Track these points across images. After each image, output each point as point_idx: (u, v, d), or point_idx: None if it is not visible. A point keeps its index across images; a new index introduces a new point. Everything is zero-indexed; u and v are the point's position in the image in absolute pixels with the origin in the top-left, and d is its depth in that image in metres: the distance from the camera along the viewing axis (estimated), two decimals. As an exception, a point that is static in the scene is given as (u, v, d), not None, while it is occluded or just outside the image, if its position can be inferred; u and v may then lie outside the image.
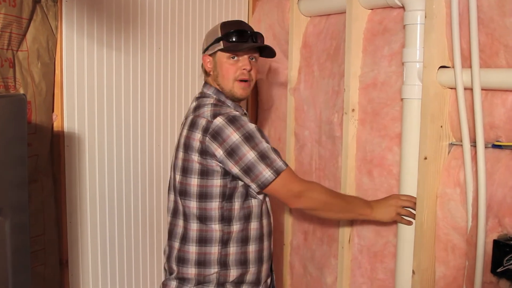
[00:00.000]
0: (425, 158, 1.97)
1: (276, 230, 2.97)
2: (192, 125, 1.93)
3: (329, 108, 2.49)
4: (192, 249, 1.96)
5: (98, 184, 2.49)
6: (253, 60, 2.05)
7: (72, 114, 2.37)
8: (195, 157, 1.91)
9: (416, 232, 2.02)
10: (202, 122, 1.90)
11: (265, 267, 2.04)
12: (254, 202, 1.98)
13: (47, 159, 2.26)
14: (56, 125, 2.30)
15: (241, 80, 2.01)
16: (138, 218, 2.69)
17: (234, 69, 2.01)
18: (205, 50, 2.07)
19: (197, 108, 1.98)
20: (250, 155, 1.86)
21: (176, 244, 2.00)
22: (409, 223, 2.05)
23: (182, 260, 1.98)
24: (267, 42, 2.91)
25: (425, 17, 1.95)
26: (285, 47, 2.79)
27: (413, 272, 2.04)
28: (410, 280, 2.06)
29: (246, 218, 1.97)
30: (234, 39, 1.99)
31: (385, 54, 2.19)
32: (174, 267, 1.99)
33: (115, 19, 2.49)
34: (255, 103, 3.12)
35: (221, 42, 1.99)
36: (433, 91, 1.95)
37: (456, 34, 1.86)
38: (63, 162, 2.35)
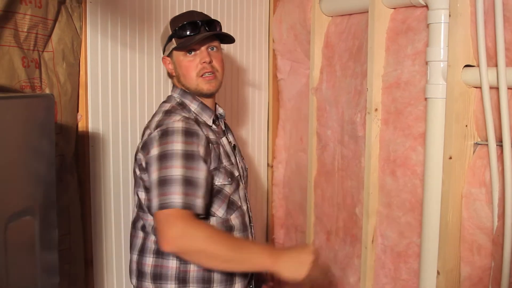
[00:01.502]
0: (450, 158, 1.96)
1: (298, 231, 2.97)
2: (142, 136, 1.89)
3: (351, 108, 2.48)
4: (149, 261, 1.84)
5: (122, 184, 2.51)
6: (214, 49, 1.90)
7: (97, 114, 2.38)
8: (137, 170, 1.86)
9: (441, 232, 2.01)
10: (146, 133, 1.83)
11: (237, 287, 1.87)
12: (212, 221, 1.83)
13: (72, 159, 2.28)
14: (81, 125, 2.32)
15: (204, 74, 1.88)
16: (160, 218, 2.70)
17: (194, 65, 1.87)
18: (163, 52, 1.96)
19: (153, 116, 1.90)
20: (154, 175, 1.70)
21: (136, 256, 1.90)
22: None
23: (139, 273, 1.87)
24: (288, 42, 2.94)
25: (449, 15, 1.93)
26: (307, 47, 2.79)
27: (438, 272, 2.03)
28: (435, 281, 2.04)
29: None
30: (185, 33, 1.85)
31: (409, 53, 2.18)
32: (134, 281, 1.90)
33: (138, 20, 2.50)
34: (277, 103, 3.12)
35: (173, 39, 1.87)
36: (458, 90, 1.93)
37: (481, 32, 1.85)
38: (87, 161, 2.37)
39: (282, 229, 3.15)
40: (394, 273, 2.31)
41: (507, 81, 1.78)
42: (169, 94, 2.01)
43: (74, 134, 2.28)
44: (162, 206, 1.65)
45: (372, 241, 2.37)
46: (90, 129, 2.35)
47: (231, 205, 1.88)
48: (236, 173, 1.92)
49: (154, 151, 1.73)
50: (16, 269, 1.45)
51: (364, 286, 2.40)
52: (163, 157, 1.70)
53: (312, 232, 2.82)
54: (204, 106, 1.92)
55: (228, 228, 1.87)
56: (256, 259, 1.69)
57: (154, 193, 1.68)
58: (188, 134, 1.74)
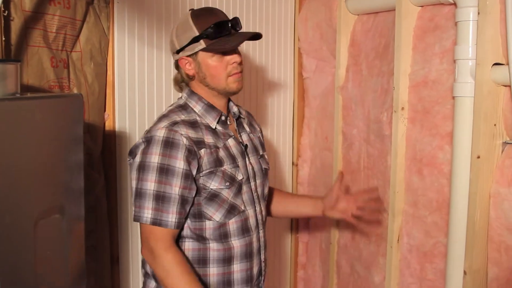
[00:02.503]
0: (478, 157, 1.94)
1: (323, 230, 2.97)
2: None
3: (377, 107, 2.47)
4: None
5: (148, 182, 2.53)
6: (237, 49, 1.86)
7: (123, 113, 2.41)
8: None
9: (468, 232, 1.99)
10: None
11: None
12: (208, 224, 1.81)
13: (99, 158, 2.31)
14: (108, 124, 2.35)
15: (233, 74, 1.83)
16: (186, 216, 2.72)
17: (223, 66, 1.81)
18: (180, 51, 1.83)
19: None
20: (133, 184, 1.76)
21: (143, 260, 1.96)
22: None
23: (146, 273, 1.93)
24: (314, 41, 2.93)
25: (478, 13, 1.91)
26: (333, 45, 2.77)
27: (465, 273, 2.01)
28: (461, 281, 2.02)
29: (201, 239, 1.82)
30: (217, 35, 1.77)
31: (436, 52, 2.16)
32: (142, 277, 1.98)
33: (165, 20, 2.52)
34: (302, 102, 3.11)
35: (202, 41, 1.77)
36: (487, 89, 1.91)
37: (511, 30, 1.82)
38: (114, 160, 2.39)
39: (307, 228, 3.14)
40: (420, 273, 2.29)
41: (537, 80, 1.75)
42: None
43: (101, 133, 2.31)
44: (136, 218, 1.75)
45: (398, 240, 2.36)
46: (116, 128, 2.38)
47: (231, 210, 1.83)
48: (240, 177, 1.85)
49: (137, 159, 1.76)
50: (44, 266, 1.47)
51: (389, 285, 2.39)
52: (141, 168, 1.74)
53: (337, 231, 2.81)
54: (209, 108, 1.86)
55: (223, 233, 1.83)
56: None
57: (136, 202, 1.76)
58: (167, 145, 1.73)
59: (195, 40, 1.78)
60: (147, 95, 2.49)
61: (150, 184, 1.71)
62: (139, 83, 2.45)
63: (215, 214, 1.81)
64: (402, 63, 2.27)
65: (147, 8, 2.45)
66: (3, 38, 1.82)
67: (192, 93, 1.88)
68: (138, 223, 1.78)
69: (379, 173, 2.48)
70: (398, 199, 2.33)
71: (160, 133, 1.74)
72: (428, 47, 2.20)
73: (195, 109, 1.86)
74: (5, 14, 1.83)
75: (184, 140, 1.75)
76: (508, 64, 1.84)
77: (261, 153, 2.04)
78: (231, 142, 1.89)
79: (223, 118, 1.89)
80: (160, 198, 1.72)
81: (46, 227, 1.47)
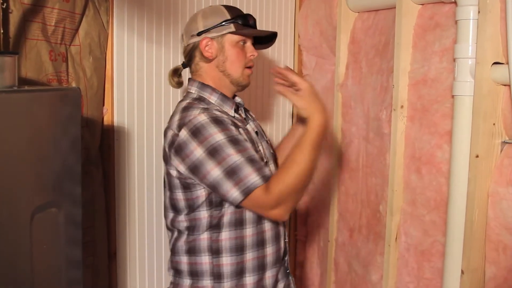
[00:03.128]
0: (477, 156, 1.93)
1: (322, 227, 2.97)
2: (164, 136, 1.87)
3: (377, 105, 2.46)
4: (184, 259, 1.88)
5: (146, 177, 2.52)
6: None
7: (122, 108, 2.40)
8: (173, 172, 1.83)
9: (466, 231, 1.99)
10: (169, 135, 1.81)
11: (269, 274, 1.89)
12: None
13: (97, 152, 2.30)
14: (106, 119, 2.34)
15: (248, 67, 1.92)
16: (184, 212, 2.71)
17: (243, 55, 1.89)
18: (202, 32, 1.88)
19: (172, 115, 1.88)
20: (214, 172, 1.69)
21: (170, 256, 1.95)
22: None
23: (177, 272, 1.91)
24: (313, 38, 2.93)
25: (478, 12, 1.91)
26: (333, 43, 2.77)
27: (462, 272, 2.01)
28: (459, 280, 2.02)
29: (239, 224, 1.82)
30: (249, 23, 1.89)
31: (436, 50, 2.16)
32: (173, 279, 1.93)
33: (164, 15, 2.51)
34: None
35: (232, 25, 1.86)
36: (486, 88, 1.91)
37: (511, 29, 1.82)
38: (112, 155, 2.39)
39: (304, 225, 3.14)
40: (417, 271, 2.29)
41: (537, 79, 1.75)
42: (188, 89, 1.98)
43: (99, 128, 2.30)
44: (246, 192, 1.68)
45: (396, 239, 2.35)
46: (115, 123, 2.37)
47: None
48: (265, 159, 1.89)
49: (198, 151, 1.71)
50: (40, 261, 1.47)
51: (387, 284, 2.39)
52: (214, 152, 1.69)
53: (335, 229, 2.80)
54: (224, 97, 1.90)
55: (257, 216, 1.83)
56: (311, 140, 1.73)
57: (227, 186, 1.69)
58: (218, 122, 1.74)
59: (225, 22, 1.86)
60: (146, 89, 2.48)
61: (235, 157, 1.68)
62: (138, 77, 2.45)
63: None
64: (401, 61, 2.26)
65: (146, 2, 2.44)
66: (2, 31, 1.81)
67: (203, 85, 1.90)
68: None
69: (378, 171, 2.48)
70: (397, 197, 2.33)
71: (201, 117, 1.74)
72: (428, 45, 2.19)
73: (211, 100, 1.88)
74: (4, 6, 1.83)
75: (225, 116, 1.79)
76: (508, 63, 1.83)
77: (266, 139, 2.06)
78: (249, 127, 1.94)
79: (236, 107, 1.93)
80: (252, 161, 1.70)
81: (42, 221, 1.46)
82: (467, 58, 1.96)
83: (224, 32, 1.86)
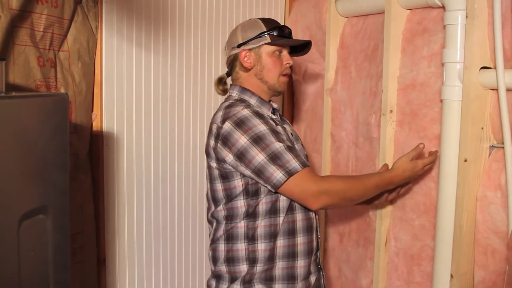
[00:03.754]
0: (465, 160, 1.94)
1: (311, 232, 2.96)
2: (209, 132, 1.99)
3: (366, 109, 2.47)
4: (221, 247, 1.99)
5: (135, 183, 2.52)
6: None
7: (111, 113, 2.40)
8: (213, 163, 1.96)
9: (455, 235, 1.99)
10: (214, 128, 1.94)
11: (301, 263, 1.99)
12: (282, 197, 1.95)
13: (86, 158, 2.30)
14: (95, 125, 2.34)
15: (284, 75, 2.05)
16: (174, 218, 2.71)
17: (279, 64, 2.02)
18: (241, 44, 2.04)
19: (215, 113, 2.01)
20: (259, 157, 1.84)
21: (210, 246, 2.06)
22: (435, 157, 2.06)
23: (215, 259, 2.02)
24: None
25: (466, 17, 1.91)
26: (322, 48, 2.77)
27: (451, 276, 2.01)
28: (448, 284, 2.03)
29: (273, 212, 1.95)
30: (284, 34, 2.02)
31: (425, 55, 2.16)
32: (212, 266, 2.04)
33: (153, 20, 2.51)
34: (291, 104, 3.11)
35: (268, 36, 2.00)
36: (474, 92, 1.91)
37: (499, 34, 1.83)
38: (101, 161, 2.38)
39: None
40: (407, 276, 2.29)
41: (524, 84, 1.76)
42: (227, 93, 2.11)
43: (88, 134, 2.30)
44: (289, 173, 1.84)
45: (386, 243, 2.35)
46: (104, 129, 2.36)
47: None
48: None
49: (242, 140, 1.86)
50: (28, 267, 1.45)
51: (377, 288, 2.39)
52: (258, 140, 1.85)
53: (325, 234, 2.80)
54: (262, 101, 2.04)
55: (290, 206, 1.97)
56: (379, 180, 2.01)
57: (271, 169, 1.84)
58: (260, 116, 1.91)
59: (261, 35, 2.00)
60: (135, 95, 2.48)
61: (276, 145, 1.85)
62: (127, 83, 2.44)
63: None
64: (390, 65, 2.27)
65: (136, 8, 2.44)
66: (-11, 37, 1.80)
67: (243, 89, 2.05)
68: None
69: (367, 175, 2.48)
70: (386, 202, 2.33)
71: (244, 112, 1.90)
72: (417, 50, 2.20)
73: (250, 101, 2.02)
74: (-8, 12, 1.82)
75: (265, 113, 1.97)
76: (495, 68, 1.84)
77: (300, 142, 2.20)
78: (286, 127, 2.09)
79: (272, 110, 2.07)
80: (289, 149, 1.87)
81: (30, 228, 1.45)
82: (455, 62, 1.97)
83: (261, 43, 2.01)
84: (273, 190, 1.89)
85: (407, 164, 2.03)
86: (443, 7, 2.04)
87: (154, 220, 2.62)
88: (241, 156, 1.86)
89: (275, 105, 2.12)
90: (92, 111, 2.32)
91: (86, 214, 2.30)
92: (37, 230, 1.49)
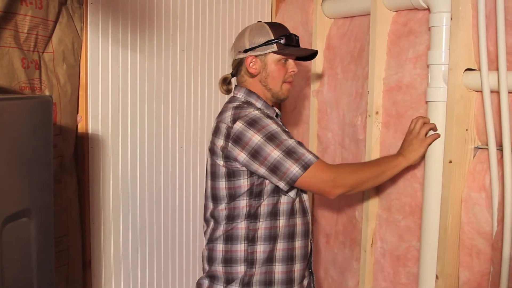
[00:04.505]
0: (450, 162, 1.95)
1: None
2: (216, 131, 1.98)
3: (352, 111, 2.48)
4: (219, 247, 1.99)
5: (121, 185, 2.51)
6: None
7: (97, 115, 2.38)
8: (220, 161, 1.95)
9: (440, 236, 2.00)
10: (223, 128, 1.94)
11: (298, 267, 2.02)
12: (283, 199, 1.97)
13: (71, 160, 2.28)
14: (81, 127, 2.32)
15: (287, 82, 2.07)
16: (160, 219, 2.70)
17: (284, 71, 2.04)
18: (248, 50, 2.04)
19: (221, 113, 2.01)
20: (275, 153, 1.87)
21: (206, 245, 2.06)
22: (438, 135, 2.01)
23: (210, 259, 2.02)
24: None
25: (451, 19, 1.92)
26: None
27: (437, 277, 2.02)
28: (434, 285, 2.04)
29: (274, 215, 1.96)
30: (288, 43, 2.02)
31: (410, 57, 2.17)
32: (206, 266, 2.05)
33: (139, 22, 2.50)
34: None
35: (275, 45, 2.01)
36: (459, 94, 1.93)
37: (483, 36, 1.84)
38: (87, 163, 2.37)
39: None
40: (393, 277, 2.30)
41: (508, 85, 1.77)
42: (232, 94, 2.11)
43: (73, 136, 2.28)
44: (305, 166, 1.88)
45: (372, 244, 2.36)
46: (89, 131, 2.35)
47: (297, 189, 2.02)
48: None
49: (256, 138, 1.88)
50: (11, 271, 1.44)
51: (364, 289, 2.40)
52: (272, 137, 1.89)
53: (311, 235, 2.80)
54: (267, 105, 2.07)
55: (290, 209, 1.99)
56: (393, 163, 2.03)
57: (288, 164, 1.88)
58: (270, 117, 1.95)
59: (269, 43, 2.00)
60: (120, 97, 2.47)
61: (289, 141, 1.90)
62: (112, 84, 2.43)
63: (290, 190, 1.97)
64: (376, 67, 2.27)
65: (121, 10, 2.43)
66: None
67: (250, 91, 2.06)
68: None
69: (354, 177, 2.48)
70: (372, 203, 2.34)
71: (255, 113, 1.93)
72: (402, 52, 2.21)
73: (257, 105, 2.04)
74: (-26, 14, 1.81)
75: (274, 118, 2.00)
76: (480, 69, 1.85)
77: None
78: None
79: (276, 114, 2.10)
80: (301, 145, 1.92)
81: (13, 231, 1.44)
82: (440, 64, 1.98)
83: (268, 51, 2.01)
84: (287, 187, 1.91)
85: (418, 142, 2.03)
86: (428, 9, 2.04)
87: (140, 222, 2.61)
88: (255, 154, 1.88)
89: (277, 110, 2.14)
90: (77, 113, 2.31)
91: (71, 216, 2.29)
92: (20, 233, 1.48)
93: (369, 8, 2.30)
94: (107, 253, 2.48)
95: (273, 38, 2.01)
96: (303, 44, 2.82)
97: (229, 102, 2.06)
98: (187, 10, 2.71)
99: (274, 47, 2.01)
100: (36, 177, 1.53)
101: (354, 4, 2.47)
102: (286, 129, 2.00)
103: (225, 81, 2.14)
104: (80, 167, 2.35)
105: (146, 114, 2.58)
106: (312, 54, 2.14)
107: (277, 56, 2.02)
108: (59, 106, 2.19)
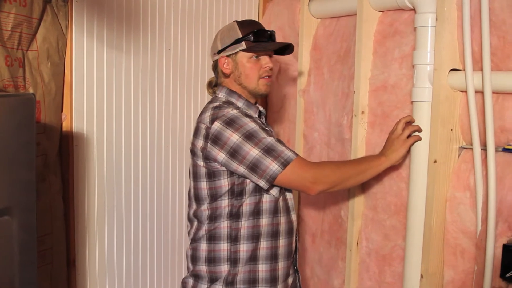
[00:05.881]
0: (435, 161, 1.96)
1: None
2: (195, 132, 1.99)
3: (338, 111, 2.48)
4: (203, 247, 1.99)
5: (106, 184, 2.49)
6: (271, 57, 2.06)
7: (81, 114, 2.37)
8: (200, 162, 1.96)
9: (425, 235, 2.01)
10: (202, 128, 1.94)
11: (282, 265, 2.02)
12: (266, 198, 1.97)
13: (56, 159, 2.27)
14: (65, 125, 2.31)
15: (265, 77, 2.04)
16: (145, 218, 2.69)
17: (257, 68, 2.01)
18: (220, 51, 2.05)
19: (201, 113, 2.01)
20: (253, 152, 1.87)
21: (190, 244, 2.06)
22: (420, 138, 2.01)
23: (194, 258, 2.02)
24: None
25: (436, 19, 1.93)
26: (295, 49, 2.75)
27: (421, 276, 2.03)
28: (418, 284, 2.04)
29: (256, 214, 1.96)
30: (259, 39, 2.00)
31: (396, 57, 2.18)
32: (190, 265, 2.04)
33: (125, 20, 2.49)
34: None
35: (243, 42, 1.99)
36: (444, 94, 1.93)
37: (468, 36, 1.85)
38: (71, 161, 2.35)
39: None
40: (378, 276, 2.30)
41: (492, 86, 1.78)
42: (215, 94, 2.10)
43: (58, 134, 2.27)
44: (285, 163, 1.87)
45: (357, 243, 2.36)
46: (74, 129, 2.34)
47: (280, 188, 2.01)
48: None
49: (234, 137, 1.87)
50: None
51: (349, 289, 2.40)
52: (250, 136, 1.88)
53: (297, 235, 2.80)
54: (249, 103, 2.05)
55: (274, 208, 1.99)
56: (374, 162, 2.04)
57: (267, 162, 1.87)
58: (248, 116, 1.94)
59: (238, 41, 1.99)
60: (106, 95, 2.46)
61: (268, 139, 1.89)
62: (97, 83, 2.42)
63: (272, 188, 1.97)
64: (362, 67, 2.28)
65: (107, 8, 2.42)
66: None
67: (231, 91, 2.05)
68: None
69: (339, 176, 2.48)
70: (358, 202, 2.34)
71: (233, 112, 1.92)
72: (388, 52, 2.21)
73: (238, 104, 2.03)
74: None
75: (252, 115, 2.00)
76: (464, 70, 1.86)
77: None
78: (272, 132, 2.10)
79: (258, 113, 2.09)
80: (280, 142, 1.92)
81: (-5, 229, 1.43)
82: (426, 64, 1.99)
83: (237, 50, 2.00)
84: (267, 185, 1.90)
85: (400, 143, 2.03)
86: (414, 10, 2.05)
87: (125, 221, 2.60)
88: (234, 153, 1.88)
89: (261, 108, 2.13)
90: (62, 111, 2.29)
91: (55, 215, 2.27)
92: (2, 231, 1.47)
93: (355, 8, 2.30)
94: (92, 252, 2.46)
95: (241, 36, 2.00)
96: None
97: (210, 102, 2.05)
98: (173, 9, 2.71)
99: (243, 45, 1.99)
100: (19, 175, 1.52)
101: (341, 4, 2.47)
102: (267, 128, 2.00)
103: (211, 84, 2.14)
104: (65, 166, 2.33)
105: (131, 112, 2.57)
106: (289, 48, 2.11)
107: (247, 54, 2.00)
108: (43, 104, 2.18)
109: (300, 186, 1.95)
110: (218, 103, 2.00)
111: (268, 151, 1.87)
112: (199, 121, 1.99)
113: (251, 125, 1.90)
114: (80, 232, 2.41)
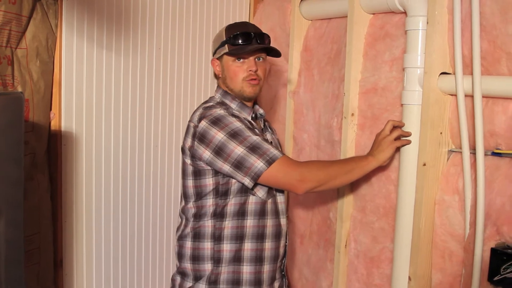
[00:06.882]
0: (424, 164, 1.96)
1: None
2: (186, 130, 2.02)
3: (328, 112, 2.48)
4: (188, 245, 2.01)
5: (94, 184, 2.48)
6: (260, 60, 2.06)
7: (70, 113, 2.36)
8: (188, 160, 1.99)
9: (413, 238, 2.01)
10: (191, 127, 1.97)
11: (267, 268, 2.03)
12: (252, 199, 1.98)
13: (44, 158, 2.25)
14: (54, 124, 2.29)
15: (250, 80, 2.04)
16: (134, 218, 2.68)
17: (241, 71, 2.02)
18: (213, 54, 2.10)
19: (193, 112, 2.03)
20: (238, 149, 1.88)
21: (177, 242, 2.08)
22: (408, 142, 2.01)
23: (180, 255, 2.04)
24: (267, 44, 2.92)
25: (427, 23, 1.94)
26: (286, 50, 2.77)
27: (409, 278, 2.03)
28: (406, 286, 2.05)
29: (241, 215, 1.98)
30: (238, 42, 2.00)
31: (386, 59, 2.18)
32: (177, 262, 2.06)
33: (115, 19, 2.48)
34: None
35: (226, 45, 2.02)
36: (434, 97, 1.94)
37: (458, 40, 1.85)
38: (59, 160, 2.34)
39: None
40: (366, 278, 2.30)
41: (482, 90, 1.78)
42: (211, 94, 2.17)
43: (46, 133, 2.25)
44: (270, 161, 1.88)
45: (346, 245, 2.37)
46: (63, 128, 2.32)
47: (269, 190, 2.02)
48: None
49: (219, 136, 1.89)
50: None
51: (337, 290, 2.40)
52: (235, 134, 1.89)
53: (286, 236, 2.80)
54: (243, 105, 2.06)
55: (260, 210, 2.00)
56: (361, 163, 2.03)
57: (252, 159, 1.88)
58: (235, 116, 1.96)
59: (222, 44, 2.03)
60: (95, 94, 2.44)
61: (253, 137, 1.90)
62: (87, 82, 2.41)
63: (259, 190, 1.98)
64: (352, 69, 2.28)
65: (97, 6, 2.41)
66: None
67: (226, 93, 2.08)
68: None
69: (329, 178, 2.49)
70: (347, 204, 2.34)
71: (220, 111, 1.95)
72: (379, 55, 2.22)
73: (231, 105, 2.05)
74: None
75: (242, 118, 2.00)
76: (454, 73, 1.87)
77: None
78: (267, 135, 2.14)
79: (253, 115, 2.10)
80: (266, 141, 1.94)
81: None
82: (416, 67, 1.99)
83: (222, 53, 2.04)
84: (251, 183, 1.90)
85: (387, 143, 2.03)
86: (405, 13, 2.06)
87: (113, 220, 2.58)
88: (219, 151, 1.89)
89: (261, 111, 2.15)
90: (51, 110, 2.28)
91: (43, 214, 2.25)
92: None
93: (346, 10, 2.30)
94: (79, 252, 2.45)
95: (224, 39, 2.03)
96: (278, 45, 2.83)
97: (204, 102, 2.08)
98: (164, 8, 2.70)
99: (226, 48, 2.01)
100: (6, 174, 1.50)
101: (332, 6, 2.47)
102: (254, 128, 2.00)
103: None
104: (53, 165, 2.32)
105: (120, 112, 2.56)
106: (273, 50, 2.09)
107: (231, 57, 2.02)
108: (32, 103, 2.16)
109: (287, 185, 1.95)
110: (211, 103, 2.03)
111: (253, 149, 1.88)
112: (190, 120, 2.01)
113: (237, 124, 1.91)
114: (67, 232, 2.40)
